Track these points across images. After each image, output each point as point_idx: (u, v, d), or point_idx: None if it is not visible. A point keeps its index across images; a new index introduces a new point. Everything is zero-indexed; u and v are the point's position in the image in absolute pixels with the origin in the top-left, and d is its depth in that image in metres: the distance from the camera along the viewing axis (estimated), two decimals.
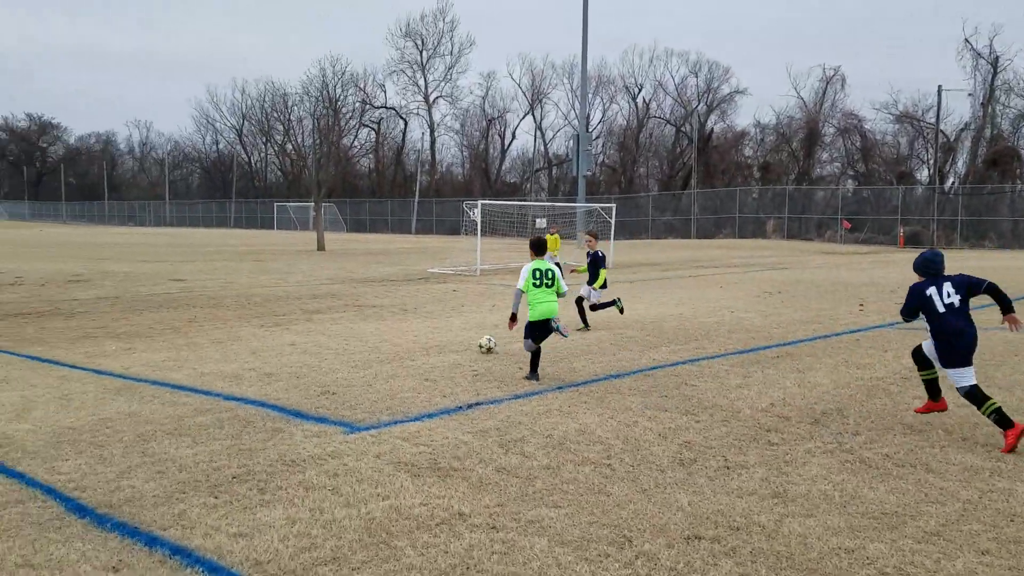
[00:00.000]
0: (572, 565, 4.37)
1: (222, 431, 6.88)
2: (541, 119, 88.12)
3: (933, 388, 7.27)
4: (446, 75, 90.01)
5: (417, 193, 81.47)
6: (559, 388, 8.66)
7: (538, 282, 9.16)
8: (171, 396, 8.18)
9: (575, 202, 46.44)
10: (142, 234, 67.47)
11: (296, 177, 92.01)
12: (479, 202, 28.72)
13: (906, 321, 7.13)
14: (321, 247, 41.27)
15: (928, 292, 6.84)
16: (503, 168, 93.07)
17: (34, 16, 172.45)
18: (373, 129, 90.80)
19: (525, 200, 67.37)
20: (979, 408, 6.64)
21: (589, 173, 49.70)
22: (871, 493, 5.51)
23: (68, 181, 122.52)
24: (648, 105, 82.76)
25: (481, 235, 28.05)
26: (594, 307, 13.55)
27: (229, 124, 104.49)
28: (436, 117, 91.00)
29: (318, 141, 43.61)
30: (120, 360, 10.15)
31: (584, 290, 13.48)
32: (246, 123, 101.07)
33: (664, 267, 29.70)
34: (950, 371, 6.76)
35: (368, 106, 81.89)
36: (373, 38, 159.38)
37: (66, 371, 9.46)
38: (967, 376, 6.68)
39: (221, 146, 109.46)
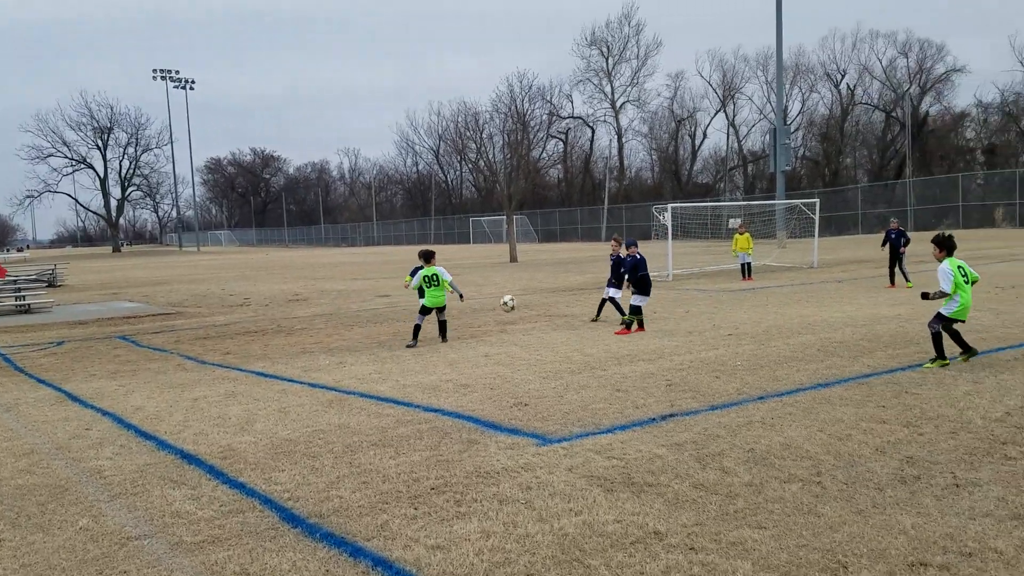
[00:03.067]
0: None
1: (421, 442, 7.11)
2: (734, 115, 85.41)
3: None
4: (633, 79, 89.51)
5: (606, 200, 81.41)
6: (760, 398, 8.19)
7: (427, 284, 13.19)
8: (376, 408, 8.59)
9: (773, 199, 44.36)
10: (352, 253, 72.41)
11: (488, 191, 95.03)
12: (669, 205, 28.11)
13: None
14: (513, 258, 42.20)
15: None
16: (694, 169, 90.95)
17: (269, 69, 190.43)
18: (561, 140, 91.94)
19: (719, 200, 65.31)
20: None
21: (788, 168, 47.31)
22: None
23: (288, 208, 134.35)
24: (853, 91, 77.71)
25: (672, 239, 27.43)
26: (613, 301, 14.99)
27: (427, 146, 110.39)
28: (623, 122, 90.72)
29: (508, 155, 44.70)
30: (332, 374, 10.83)
31: (609, 291, 14.96)
32: (442, 144, 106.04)
33: (877, 263, 27.56)
34: None
35: (555, 117, 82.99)
36: (558, 51, 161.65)
37: (285, 385, 10.22)
38: None
39: (420, 167, 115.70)
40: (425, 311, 13.22)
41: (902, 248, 19.63)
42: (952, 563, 4.27)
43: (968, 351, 9.56)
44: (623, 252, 14.21)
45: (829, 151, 77.86)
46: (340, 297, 23.88)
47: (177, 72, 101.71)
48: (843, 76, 78.37)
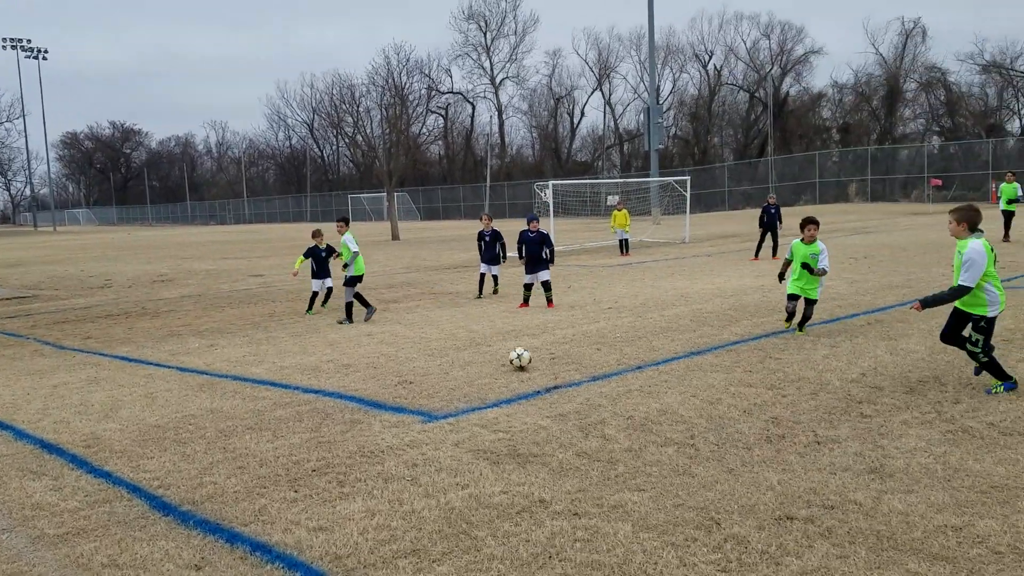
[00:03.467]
0: (658, 551, 4.20)
1: (301, 424, 6.93)
2: (610, 94, 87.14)
3: None
4: (511, 55, 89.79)
5: (488, 177, 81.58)
6: (638, 368, 8.44)
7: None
8: (251, 391, 8.31)
9: (648, 177, 45.68)
10: (222, 232, 69.60)
11: (368, 168, 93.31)
12: (550, 183, 28.48)
13: None
14: (395, 236, 41.73)
15: None
16: (573, 147, 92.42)
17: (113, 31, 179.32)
18: (441, 115, 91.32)
19: (597, 178, 66.72)
20: None
21: (661, 146, 48.78)
22: (977, 465, 5.15)
23: (151, 184, 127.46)
24: (719, 72, 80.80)
25: (554, 216, 27.82)
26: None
27: (300, 119, 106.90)
28: (503, 99, 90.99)
29: (387, 131, 43.97)
30: (203, 357, 10.39)
31: (488, 268, 15.20)
32: (316, 117, 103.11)
33: (743, 238, 28.90)
34: None
35: (435, 92, 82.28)
36: (436, 23, 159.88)
37: (152, 370, 9.73)
38: None
39: (294, 141, 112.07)
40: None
41: (780, 223, 20.80)
42: (816, 516, 4.54)
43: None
44: (532, 227, 13.53)
45: (698, 130, 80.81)
46: (209, 277, 22.92)
47: (28, 41, 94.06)
48: (710, 57, 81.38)
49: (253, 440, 6.53)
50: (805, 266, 9.79)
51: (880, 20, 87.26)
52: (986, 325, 6.78)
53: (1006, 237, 20.91)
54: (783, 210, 22.15)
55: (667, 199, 40.56)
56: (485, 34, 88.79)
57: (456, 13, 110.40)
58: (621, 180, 54.01)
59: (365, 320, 12.72)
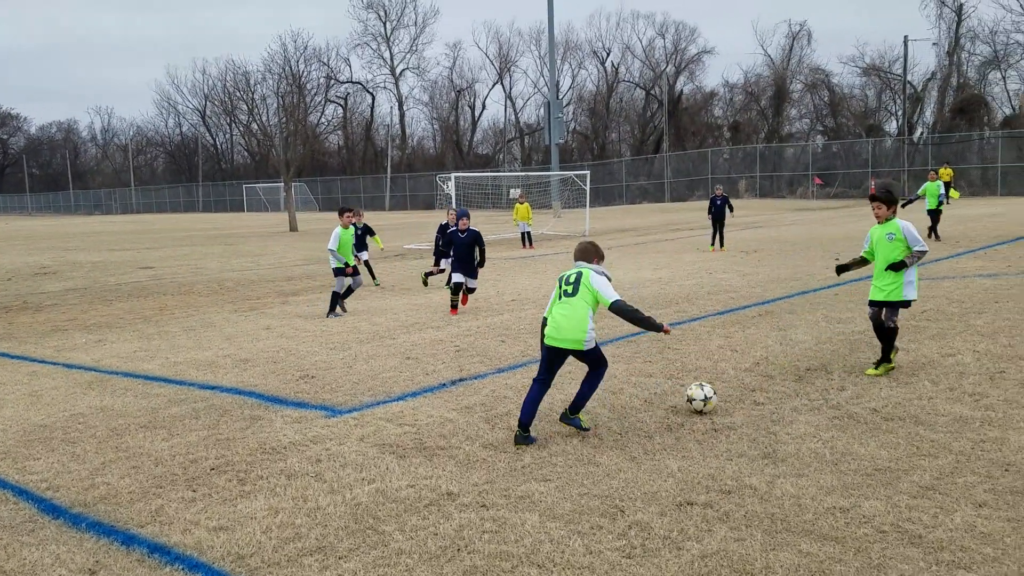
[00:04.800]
0: (565, 539, 4.27)
1: (198, 421, 6.70)
2: (511, 88, 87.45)
3: None
4: (412, 46, 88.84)
5: (389, 169, 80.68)
6: None
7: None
8: (144, 388, 7.97)
9: (549, 171, 46.14)
10: (109, 222, 66.27)
11: (264, 157, 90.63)
12: (452, 175, 28.41)
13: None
14: (293, 228, 40.75)
15: None
16: (475, 140, 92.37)
17: None
18: (340, 105, 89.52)
19: (499, 171, 66.94)
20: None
21: (561, 141, 49.39)
22: (862, 449, 5.46)
23: (31, 172, 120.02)
24: (617, 69, 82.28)
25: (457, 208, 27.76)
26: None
27: (191, 106, 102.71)
28: (404, 90, 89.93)
29: (284, 119, 42.79)
30: (91, 353, 9.89)
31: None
32: (209, 104, 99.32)
33: (640, 232, 29.64)
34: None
35: (333, 81, 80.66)
36: (335, 12, 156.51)
37: (36, 366, 9.20)
38: None
39: (185, 129, 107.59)
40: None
41: (731, 212, 21.10)
42: (714, 500, 4.72)
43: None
44: (461, 225, 12.06)
45: (597, 126, 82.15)
46: (96, 270, 21.80)
47: None
48: (608, 54, 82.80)
49: (147, 439, 6.27)
50: (889, 267, 7.29)
51: (769, 22, 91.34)
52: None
53: (933, 234, 19.92)
54: (668, 205, 22.43)
55: (567, 193, 41.14)
56: (385, 24, 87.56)
57: (355, 1, 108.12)
58: (523, 173, 54.39)
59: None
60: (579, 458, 5.50)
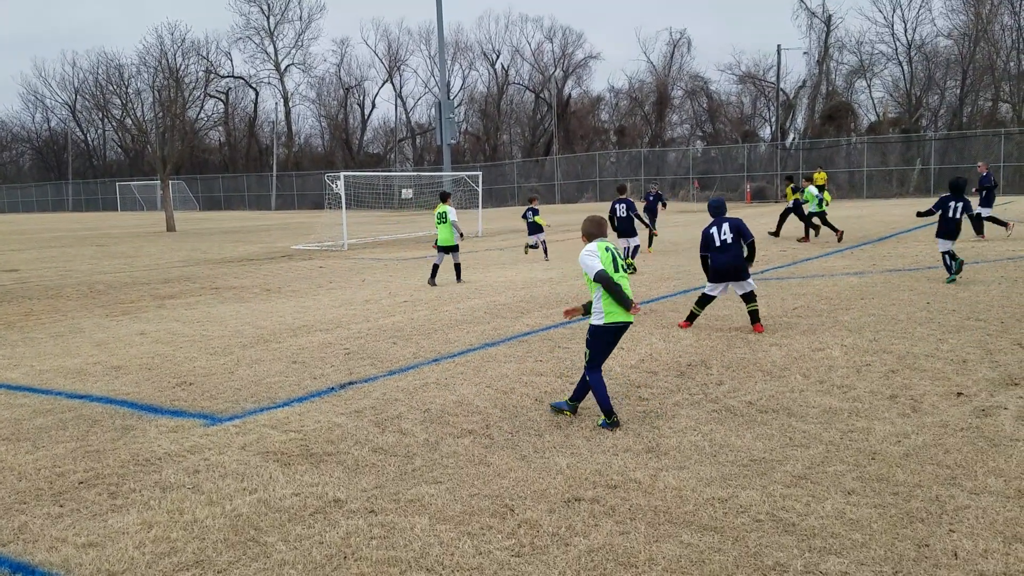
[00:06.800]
0: (454, 542, 4.25)
1: (65, 433, 6.31)
2: (401, 87, 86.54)
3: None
4: (297, 41, 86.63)
5: (275, 167, 78.45)
6: (435, 360, 8.50)
7: (439, 221, 15.26)
8: (6, 397, 7.44)
9: (441, 171, 45.99)
10: None
11: (139, 154, 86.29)
12: (341, 174, 27.84)
13: (703, 255, 9.44)
14: (171, 228, 39.02)
15: (711, 231, 9.30)
16: (365, 139, 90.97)
17: None
18: (221, 100, 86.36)
19: (390, 171, 66.24)
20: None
21: (453, 142, 49.26)
22: (739, 441, 5.68)
23: None
24: (507, 71, 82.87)
25: (347, 208, 27.27)
26: None
27: (60, 100, 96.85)
28: (289, 86, 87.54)
29: (160, 114, 40.85)
30: None
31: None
32: (79, 98, 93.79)
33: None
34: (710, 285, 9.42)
35: (214, 75, 77.70)
36: (214, 3, 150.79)
37: None
38: (715, 289, 9.46)
39: (53, 124, 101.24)
40: (439, 249, 15.17)
41: (664, 206, 21.42)
42: (601, 496, 4.81)
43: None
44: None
45: (488, 127, 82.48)
46: None
47: None
48: (498, 56, 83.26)
49: (10, 452, 5.85)
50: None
51: (651, 30, 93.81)
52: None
53: (806, 237, 20.44)
54: (559, 207, 22.77)
55: (460, 194, 41.10)
56: (268, 18, 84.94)
57: None
58: (415, 173, 53.97)
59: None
60: (470, 459, 5.50)
